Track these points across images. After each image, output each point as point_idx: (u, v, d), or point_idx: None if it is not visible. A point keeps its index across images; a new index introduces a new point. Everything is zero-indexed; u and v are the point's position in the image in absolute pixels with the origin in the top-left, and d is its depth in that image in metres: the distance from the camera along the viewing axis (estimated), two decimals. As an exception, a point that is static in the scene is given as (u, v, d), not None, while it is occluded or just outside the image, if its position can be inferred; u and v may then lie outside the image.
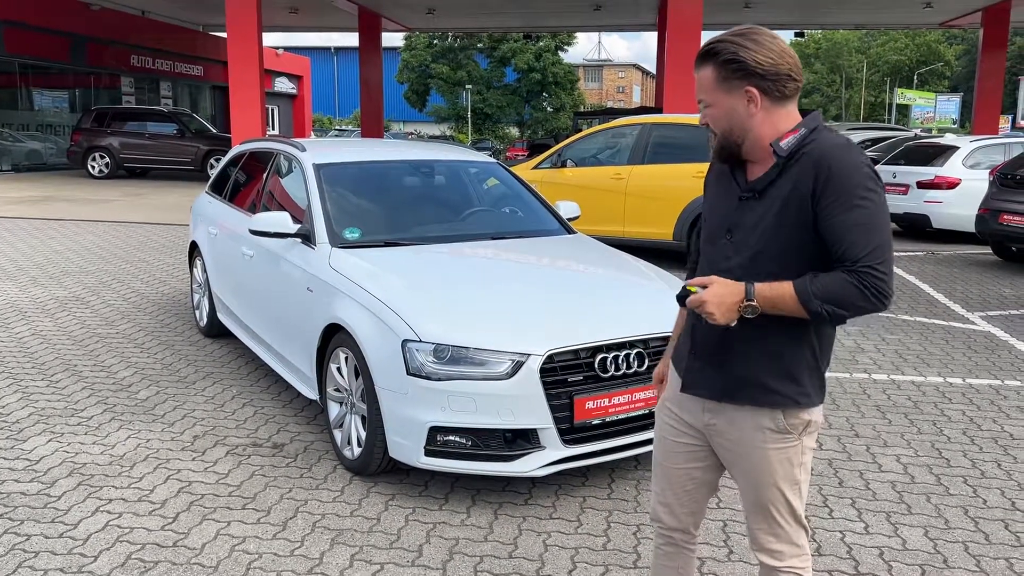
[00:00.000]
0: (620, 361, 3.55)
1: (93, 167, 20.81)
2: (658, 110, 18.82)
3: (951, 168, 11.59)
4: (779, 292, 1.83)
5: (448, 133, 52.95)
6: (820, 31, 67.51)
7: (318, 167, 4.85)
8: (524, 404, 3.39)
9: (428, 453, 3.46)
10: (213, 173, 6.72)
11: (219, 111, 30.92)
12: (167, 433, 4.31)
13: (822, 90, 73.16)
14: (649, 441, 3.26)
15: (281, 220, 4.52)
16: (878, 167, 12.75)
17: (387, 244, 4.49)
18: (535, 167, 10.31)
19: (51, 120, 25.00)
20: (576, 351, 3.49)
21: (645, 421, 3.60)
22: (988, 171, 10.74)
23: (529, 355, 3.40)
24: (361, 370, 3.68)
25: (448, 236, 4.74)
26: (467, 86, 50.18)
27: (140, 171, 21.57)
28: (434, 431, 3.43)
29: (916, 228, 12.25)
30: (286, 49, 39.16)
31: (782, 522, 2.03)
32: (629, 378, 3.56)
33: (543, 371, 3.40)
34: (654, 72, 29.21)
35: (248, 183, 5.91)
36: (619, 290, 4.29)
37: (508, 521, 3.43)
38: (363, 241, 4.46)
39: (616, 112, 26.20)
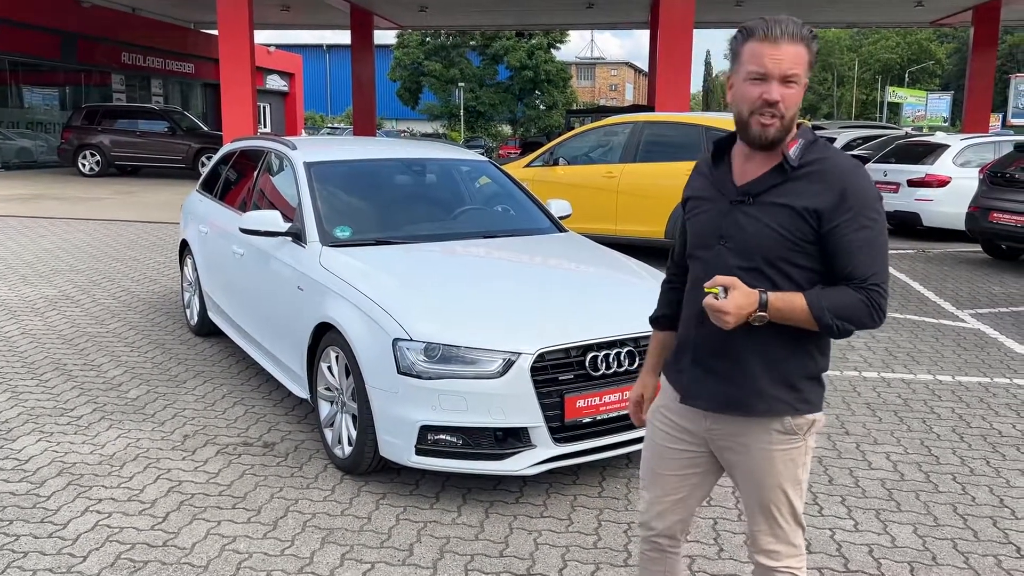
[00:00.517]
0: (611, 359, 3.55)
1: (84, 165, 20.71)
2: (650, 108, 18.84)
3: (941, 166, 11.63)
4: (790, 304, 1.84)
5: (441, 131, 52.85)
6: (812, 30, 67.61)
7: (309, 165, 4.84)
8: (515, 403, 3.39)
9: (419, 452, 3.46)
10: (204, 171, 6.70)
11: (210, 109, 30.82)
12: (157, 432, 4.30)
13: (814, 88, 73.34)
14: (640, 439, 3.26)
15: (271, 219, 4.51)
16: (869, 165, 12.83)
17: (378, 243, 4.48)
18: (527, 165, 10.31)
19: (41, 118, 24.87)
20: (567, 349, 3.49)
21: (636, 419, 3.60)
22: (978, 169, 10.78)
23: (520, 354, 3.40)
24: (352, 369, 3.68)
25: (439, 235, 4.73)
26: (460, 84, 50.11)
27: (131, 169, 21.48)
28: (425, 430, 3.43)
29: (907, 226, 12.29)
30: (278, 46, 39.05)
31: (783, 523, 2.03)
32: (620, 376, 3.57)
33: (534, 370, 3.40)
34: (647, 70, 29.24)
35: (239, 181, 5.89)
36: (610, 288, 4.29)
37: (499, 520, 3.43)
38: (354, 240, 4.45)
39: (608, 110, 26.21)
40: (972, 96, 22.14)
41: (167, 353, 5.72)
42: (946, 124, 41.47)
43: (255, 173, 5.55)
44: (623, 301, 4.03)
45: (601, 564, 3.10)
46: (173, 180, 20.11)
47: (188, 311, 6.34)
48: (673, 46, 14.95)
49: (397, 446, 3.49)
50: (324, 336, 3.96)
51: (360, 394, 3.61)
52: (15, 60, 22.96)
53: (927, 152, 12.07)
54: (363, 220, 4.74)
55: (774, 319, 1.85)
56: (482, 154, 5.98)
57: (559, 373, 3.46)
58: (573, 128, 15.88)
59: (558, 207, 5.36)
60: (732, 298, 1.80)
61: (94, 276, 8.35)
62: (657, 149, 9.48)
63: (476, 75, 51.08)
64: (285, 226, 4.50)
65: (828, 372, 5.47)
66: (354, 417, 3.74)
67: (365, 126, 25.22)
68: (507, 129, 54.56)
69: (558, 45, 51.95)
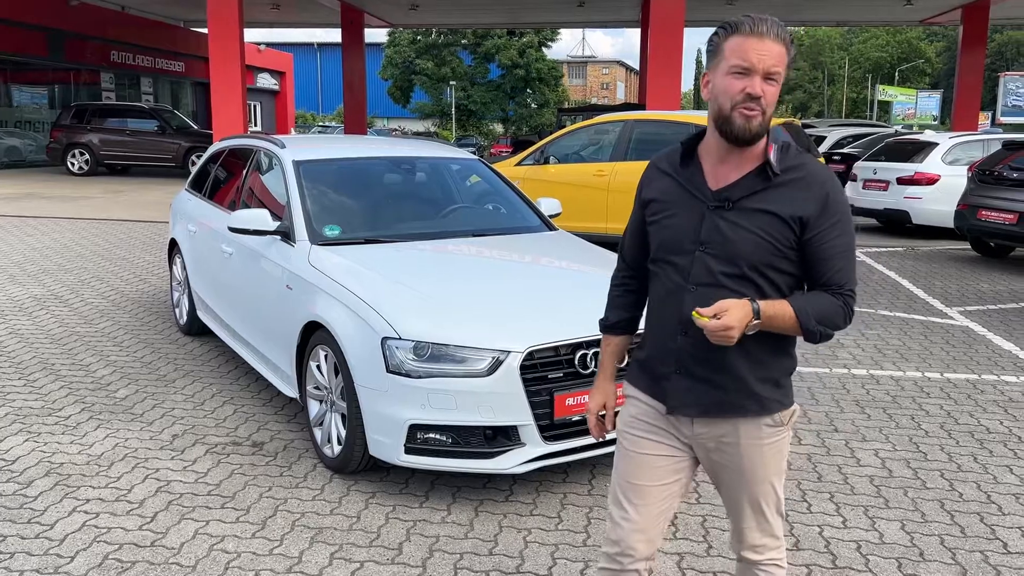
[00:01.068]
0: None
1: (73, 164, 20.61)
2: (641, 107, 18.85)
3: (931, 164, 11.68)
4: (779, 312, 1.87)
5: (432, 129, 52.80)
6: (802, 28, 67.90)
7: (298, 164, 4.83)
8: (504, 401, 3.39)
9: (408, 451, 3.45)
10: (194, 170, 6.68)
11: (200, 107, 30.72)
12: (146, 432, 4.28)
13: (804, 87, 73.58)
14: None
15: (260, 217, 4.49)
16: (859, 163, 12.88)
17: (367, 241, 4.47)
18: (518, 164, 10.30)
19: (30, 116, 24.74)
20: (556, 348, 3.49)
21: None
22: (967, 167, 10.83)
23: (509, 352, 3.40)
24: (341, 368, 3.67)
25: (428, 233, 4.72)
26: (451, 82, 50.07)
27: (120, 168, 21.39)
28: (414, 428, 3.42)
29: (896, 224, 12.35)
30: (268, 45, 38.93)
31: (770, 516, 2.06)
32: (609, 374, 3.56)
33: (523, 368, 3.40)
34: (638, 69, 29.25)
35: (228, 180, 5.87)
36: (599, 287, 4.27)
37: (488, 518, 3.43)
38: (343, 238, 4.44)
39: (600, 108, 26.22)
40: (961, 94, 22.23)
41: (156, 353, 5.69)
42: (936, 122, 41.63)
43: (244, 172, 5.53)
44: (612, 299, 4.03)
45: (590, 562, 3.10)
46: (163, 179, 20.03)
47: (177, 310, 6.32)
48: (664, 45, 14.96)
49: (386, 445, 3.49)
50: (313, 335, 3.95)
51: (349, 393, 3.61)
52: (2, 58, 22.81)
53: (916, 150, 12.12)
54: (352, 219, 4.73)
55: (764, 327, 1.87)
56: (474, 152, 5.97)
57: (548, 371, 3.46)
58: (564, 127, 15.89)
59: (548, 205, 5.36)
60: (731, 313, 1.80)
61: (83, 275, 8.31)
62: (648, 147, 9.47)
63: (467, 73, 51.06)
64: (274, 225, 4.49)
65: (818, 370, 5.51)
66: (343, 416, 3.73)
67: (356, 124, 25.16)
68: (499, 128, 54.53)
69: (549, 44, 51.97)
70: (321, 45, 65.85)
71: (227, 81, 15.70)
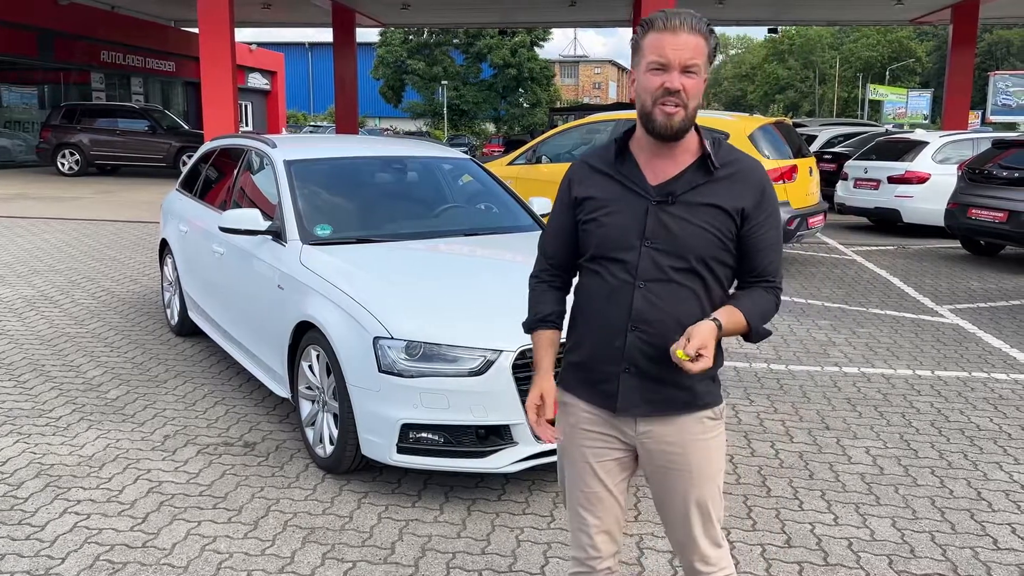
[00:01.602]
0: (592, 356, 3.55)
1: (63, 164, 20.50)
2: (632, 106, 18.85)
3: (921, 163, 11.73)
4: (734, 320, 1.92)
5: (424, 129, 52.73)
6: (794, 27, 68.08)
7: (289, 163, 4.82)
8: (496, 400, 3.39)
9: (400, 450, 3.45)
10: (184, 170, 6.66)
11: (191, 107, 30.58)
12: (137, 433, 4.26)
13: (796, 86, 73.77)
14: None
15: (252, 217, 4.48)
16: (850, 162, 12.92)
17: (359, 241, 4.47)
18: (510, 163, 10.29)
19: (20, 116, 24.60)
20: (548, 347, 3.48)
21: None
22: (957, 166, 10.88)
23: (501, 351, 3.40)
24: (333, 368, 3.67)
25: (420, 233, 4.72)
26: (443, 82, 50.02)
27: (111, 168, 21.29)
28: (406, 428, 3.42)
29: (887, 222, 12.40)
30: (260, 45, 38.81)
31: (714, 519, 2.03)
32: (601, 373, 3.57)
33: (515, 367, 3.40)
34: (629, 68, 29.34)
35: (219, 180, 5.86)
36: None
37: (481, 517, 3.43)
38: (334, 238, 4.43)
39: (592, 108, 26.24)
40: (951, 93, 22.31)
41: (147, 353, 5.67)
42: (926, 121, 41.80)
43: (235, 171, 5.52)
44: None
45: (583, 560, 3.10)
46: (153, 179, 19.95)
47: (168, 311, 6.30)
48: (655, 44, 14.94)
49: (379, 445, 3.49)
50: (305, 335, 3.94)
51: (341, 393, 3.60)
52: (-8, 58, 22.72)
53: (907, 149, 12.17)
54: (344, 218, 4.73)
55: (722, 336, 1.92)
56: (466, 152, 5.96)
57: (540, 370, 3.46)
58: (556, 126, 15.88)
59: (540, 205, 5.36)
60: (700, 339, 1.81)
61: (73, 276, 8.27)
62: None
63: (459, 73, 51.00)
64: (265, 224, 4.48)
65: (809, 368, 5.53)
66: (335, 416, 3.72)
67: (347, 124, 25.12)
68: (491, 127, 54.49)
69: (541, 43, 51.95)
70: (312, 45, 65.70)
71: (218, 81, 15.64)
